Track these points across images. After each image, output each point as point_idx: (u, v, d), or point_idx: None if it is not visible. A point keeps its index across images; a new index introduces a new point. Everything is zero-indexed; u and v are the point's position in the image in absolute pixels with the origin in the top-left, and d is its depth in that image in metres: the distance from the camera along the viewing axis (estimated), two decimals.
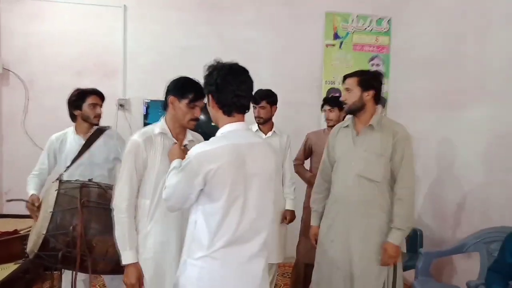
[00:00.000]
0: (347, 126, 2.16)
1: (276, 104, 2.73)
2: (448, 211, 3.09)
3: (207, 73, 1.58)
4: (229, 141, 1.46)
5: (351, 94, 2.05)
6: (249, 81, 1.57)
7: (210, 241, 1.45)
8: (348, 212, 2.05)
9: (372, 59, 4.03)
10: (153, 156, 1.75)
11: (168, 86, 1.81)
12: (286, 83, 3.82)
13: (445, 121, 3.18)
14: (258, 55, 3.89)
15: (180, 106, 1.76)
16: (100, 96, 2.51)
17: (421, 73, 3.52)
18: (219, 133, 1.52)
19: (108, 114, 3.61)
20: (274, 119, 2.79)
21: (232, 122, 1.51)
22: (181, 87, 1.78)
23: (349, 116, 2.21)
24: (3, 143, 3.62)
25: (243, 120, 1.55)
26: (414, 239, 3.10)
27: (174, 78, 1.81)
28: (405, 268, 2.98)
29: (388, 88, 4.06)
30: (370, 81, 2.06)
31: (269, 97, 2.67)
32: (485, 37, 2.80)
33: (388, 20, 4.03)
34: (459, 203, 2.98)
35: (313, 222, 2.27)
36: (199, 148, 1.45)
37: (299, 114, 3.90)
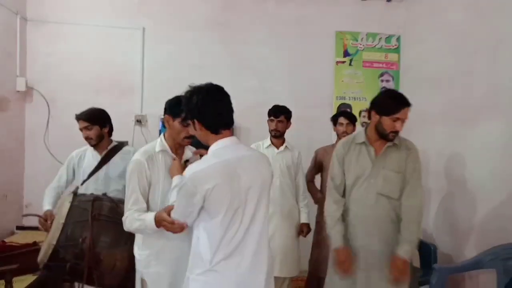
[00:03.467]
0: (362, 142, 2.09)
1: (290, 120, 2.81)
2: (462, 227, 3.05)
3: (186, 98, 1.60)
4: (220, 158, 1.51)
5: (403, 123, 1.99)
6: (226, 98, 1.63)
7: (212, 255, 1.49)
8: (369, 231, 2.03)
9: (382, 75, 4.08)
10: (157, 173, 1.78)
11: (165, 105, 1.86)
12: (298, 100, 3.88)
13: (457, 137, 3.17)
14: (270, 72, 3.99)
15: (174, 124, 1.80)
16: (84, 120, 2.48)
17: (431, 89, 3.53)
18: (210, 151, 1.57)
19: (126, 130, 3.75)
20: (287, 134, 2.85)
21: (221, 138, 1.56)
22: (174, 106, 1.81)
23: (359, 131, 2.19)
24: (26, 158, 3.75)
25: (231, 135, 1.60)
26: (428, 254, 3.06)
27: (170, 98, 1.86)
28: (419, 284, 2.95)
29: None
30: None
31: (287, 112, 2.77)
32: (496, 53, 2.81)
33: (397, 38, 4.09)
34: (473, 219, 2.94)
35: (339, 242, 2.05)
36: (192, 169, 1.49)
37: (311, 130, 3.95)
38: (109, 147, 2.56)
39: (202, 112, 1.55)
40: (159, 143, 1.84)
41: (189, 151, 1.93)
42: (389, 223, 2.03)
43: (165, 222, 1.62)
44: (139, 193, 1.75)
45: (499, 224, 2.71)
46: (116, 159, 2.53)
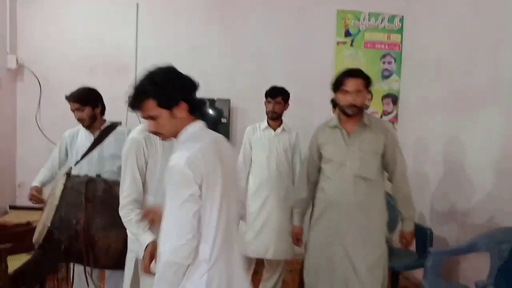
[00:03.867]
0: (334, 126, 2.11)
1: (288, 101, 2.77)
2: (458, 212, 3.07)
3: (161, 86, 1.42)
4: (203, 140, 1.37)
5: (362, 97, 2.00)
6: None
7: (210, 251, 1.32)
8: (345, 215, 2.04)
9: (383, 56, 4.00)
10: (154, 152, 1.76)
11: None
12: (297, 81, 3.81)
13: (456, 124, 3.15)
14: (269, 53, 3.90)
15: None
16: (77, 101, 2.41)
17: (433, 73, 3.48)
18: (187, 134, 1.41)
19: (120, 111, 3.67)
20: (285, 117, 2.81)
21: (193, 120, 1.43)
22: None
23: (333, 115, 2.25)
24: (17, 137, 3.70)
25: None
26: (424, 238, 3.06)
27: None
28: (414, 267, 2.98)
29: (400, 86, 4.03)
30: (370, 83, 2.07)
31: (284, 93, 2.72)
32: (499, 40, 2.76)
33: (401, 18, 3.99)
34: (469, 204, 2.95)
35: (296, 221, 2.27)
36: (183, 156, 1.29)
37: (310, 112, 3.88)
38: (102, 127, 2.51)
39: (188, 91, 1.42)
40: None
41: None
42: (368, 203, 2.06)
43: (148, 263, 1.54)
44: (137, 172, 1.72)
45: (494, 208, 2.72)
46: (110, 139, 2.50)
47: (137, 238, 1.66)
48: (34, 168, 2.61)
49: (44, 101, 3.65)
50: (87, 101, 2.42)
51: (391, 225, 3.26)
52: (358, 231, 2.03)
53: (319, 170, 2.18)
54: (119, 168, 2.51)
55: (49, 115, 3.64)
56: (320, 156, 2.15)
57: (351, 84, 1.97)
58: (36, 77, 3.63)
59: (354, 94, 1.96)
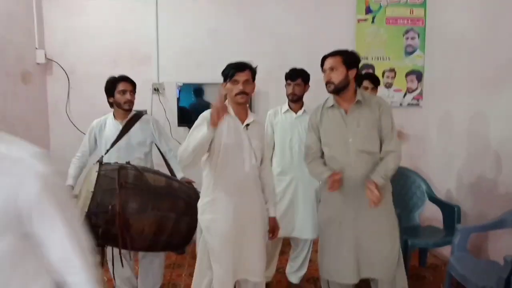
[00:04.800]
0: (332, 106, 2.18)
1: (308, 83, 2.76)
2: (485, 188, 3.01)
3: None
4: None
5: (337, 73, 2.07)
6: None
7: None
8: (353, 189, 2.10)
9: (406, 32, 3.88)
10: (219, 131, 1.96)
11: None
12: (317, 62, 3.73)
13: (481, 98, 3.07)
14: (288, 35, 3.86)
15: (227, 87, 2.02)
16: (130, 82, 2.56)
17: (458, 48, 3.37)
18: None
19: (144, 98, 3.78)
20: (306, 98, 2.80)
21: None
22: (223, 71, 2.04)
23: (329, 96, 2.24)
24: (50, 131, 3.86)
25: None
26: (452, 215, 3.04)
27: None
28: (441, 244, 2.97)
29: (424, 62, 3.92)
30: (353, 59, 2.11)
31: (304, 75, 2.72)
32: None
33: None
34: (497, 179, 2.89)
35: (328, 172, 2.15)
36: None
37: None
38: (129, 116, 2.59)
39: None
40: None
41: (252, 116, 2.08)
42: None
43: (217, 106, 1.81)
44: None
45: None
46: (136, 128, 2.59)
47: (202, 131, 1.87)
48: (67, 158, 2.73)
49: (72, 93, 3.79)
50: (135, 86, 2.60)
51: (412, 204, 3.26)
52: (365, 203, 2.06)
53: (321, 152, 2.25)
54: (146, 155, 2.64)
55: (78, 106, 3.78)
56: (319, 138, 2.23)
57: (326, 63, 2.13)
58: (64, 70, 3.76)
59: (328, 71, 2.10)
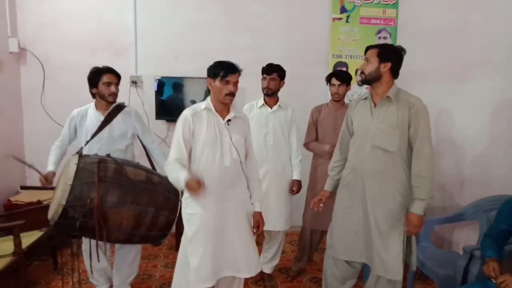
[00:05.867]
0: (365, 98, 2.21)
1: (284, 79, 2.82)
2: (450, 181, 3.16)
3: None
4: None
5: (369, 65, 2.09)
6: None
7: None
8: (364, 180, 2.14)
9: (379, 32, 4.01)
10: (199, 127, 2.02)
11: (207, 71, 2.07)
12: (293, 58, 3.86)
13: (448, 93, 3.21)
14: (265, 29, 3.93)
15: (216, 84, 2.02)
16: (115, 75, 2.55)
17: (427, 45, 3.51)
18: None
19: (121, 91, 3.71)
20: (282, 93, 2.87)
21: None
22: (213, 68, 2.03)
23: (366, 90, 2.30)
24: (24, 119, 3.79)
25: None
26: None
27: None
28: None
29: None
30: (389, 53, 2.08)
31: (280, 70, 2.77)
32: (492, 7, 2.78)
33: None
34: (461, 174, 3.04)
35: (327, 187, 2.39)
36: None
37: (306, 88, 3.95)
38: (111, 107, 2.58)
39: None
40: (205, 102, 2.08)
41: (233, 112, 2.11)
42: (387, 176, 2.09)
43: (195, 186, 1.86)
44: (182, 142, 2.00)
45: (483, 178, 2.81)
46: (118, 119, 2.58)
47: (177, 180, 1.92)
48: (42, 148, 2.71)
49: (47, 83, 3.73)
50: (120, 79, 2.59)
51: None
52: (373, 196, 2.12)
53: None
54: (127, 147, 2.63)
55: (53, 96, 3.73)
56: (352, 127, 2.28)
57: (366, 54, 2.15)
58: (38, 59, 3.70)
59: (364, 62, 2.15)
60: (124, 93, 3.75)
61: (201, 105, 2.08)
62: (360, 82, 2.25)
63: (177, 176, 1.92)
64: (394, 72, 2.10)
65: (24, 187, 3.67)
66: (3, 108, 3.50)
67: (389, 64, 2.06)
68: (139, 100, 3.81)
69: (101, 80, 2.49)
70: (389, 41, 4.02)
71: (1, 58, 3.46)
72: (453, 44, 3.16)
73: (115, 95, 2.55)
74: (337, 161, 2.36)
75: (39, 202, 3.21)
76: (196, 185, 1.83)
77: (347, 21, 3.96)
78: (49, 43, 3.70)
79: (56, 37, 3.70)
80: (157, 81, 3.76)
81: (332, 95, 2.97)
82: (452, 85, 3.15)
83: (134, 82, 3.80)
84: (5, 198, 3.40)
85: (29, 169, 3.76)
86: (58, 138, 2.62)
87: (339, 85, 2.89)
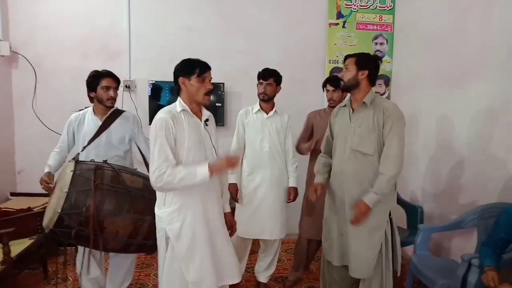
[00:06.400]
0: (345, 105, 2.33)
1: (280, 84, 2.79)
2: (449, 189, 3.13)
3: None
4: None
5: (348, 72, 2.22)
6: None
7: None
8: (344, 183, 2.22)
9: (375, 37, 4.00)
10: (181, 131, 1.86)
11: (175, 71, 1.92)
12: (290, 63, 3.84)
13: (446, 99, 3.18)
14: (261, 34, 3.91)
15: (191, 83, 1.88)
16: (115, 79, 2.50)
17: (424, 50, 3.49)
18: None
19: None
20: (278, 98, 2.84)
21: None
22: (186, 66, 1.91)
23: (347, 98, 2.38)
24: (15, 125, 3.72)
25: None
26: (415, 215, 3.16)
27: (178, 63, 1.93)
28: (405, 244, 3.07)
29: (392, 67, 4.05)
30: (366, 61, 2.21)
31: (276, 76, 2.75)
32: (490, 10, 2.76)
33: None
34: (460, 181, 3.01)
35: (317, 180, 2.36)
36: None
37: (302, 93, 3.93)
38: (109, 112, 2.53)
39: None
40: (179, 104, 1.92)
41: (206, 111, 2.03)
42: (365, 178, 2.17)
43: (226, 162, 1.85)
44: (168, 149, 1.81)
45: (482, 185, 2.78)
46: (116, 124, 2.53)
47: (193, 173, 1.79)
48: (33, 154, 2.66)
49: (39, 87, 3.66)
50: (119, 83, 2.54)
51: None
52: (350, 199, 2.18)
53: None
54: (125, 153, 2.58)
55: (45, 100, 3.66)
56: (332, 134, 2.38)
57: (345, 62, 2.27)
58: (30, 63, 3.63)
59: (344, 69, 2.27)
60: (117, 98, 3.70)
61: (176, 107, 1.91)
62: (341, 89, 2.41)
63: (189, 174, 1.79)
64: (371, 80, 2.22)
65: (14, 194, 3.59)
66: None
67: (366, 72, 2.18)
68: (132, 105, 3.76)
69: (100, 84, 2.44)
70: (385, 47, 4.01)
71: None
72: (451, 48, 3.14)
73: (113, 99, 2.50)
74: (321, 162, 2.42)
75: (29, 209, 3.13)
76: (226, 162, 1.82)
77: (343, 27, 3.95)
78: (41, 47, 3.65)
79: (48, 41, 3.65)
80: (151, 86, 3.72)
81: (328, 100, 2.96)
82: (451, 90, 3.13)
83: (127, 87, 3.75)
84: None
85: (19, 175, 3.75)
86: (57, 144, 2.55)
87: (333, 90, 2.88)
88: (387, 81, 4.07)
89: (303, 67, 3.95)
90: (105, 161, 2.27)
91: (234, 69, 3.83)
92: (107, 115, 2.51)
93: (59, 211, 1.98)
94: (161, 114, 1.88)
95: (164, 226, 1.90)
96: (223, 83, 3.78)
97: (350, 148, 2.20)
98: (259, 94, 2.76)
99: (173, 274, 1.92)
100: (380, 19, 3.99)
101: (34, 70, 3.64)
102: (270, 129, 2.75)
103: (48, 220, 2.05)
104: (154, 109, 3.71)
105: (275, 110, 2.79)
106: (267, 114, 2.77)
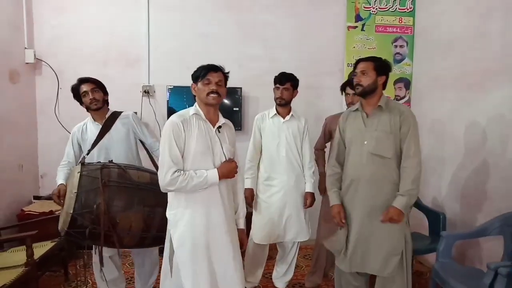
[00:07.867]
0: (356, 109, 2.30)
1: (297, 88, 2.77)
2: (472, 195, 3.04)
3: None
4: None
5: (367, 77, 2.18)
6: None
7: None
8: (362, 188, 2.19)
9: (395, 40, 3.94)
10: (190, 135, 1.90)
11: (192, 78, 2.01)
12: (308, 67, 3.82)
13: (468, 102, 3.10)
14: (278, 39, 3.90)
15: (198, 87, 1.96)
16: (90, 82, 2.53)
17: (445, 53, 3.41)
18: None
19: (134, 101, 3.77)
20: (296, 103, 2.82)
21: None
22: (194, 73, 1.99)
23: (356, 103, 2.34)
24: (38, 129, 3.82)
25: None
26: (437, 222, 3.07)
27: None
28: (426, 251, 2.99)
29: (412, 70, 3.97)
30: (384, 67, 2.21)
31: (293, 80, 2.73)
32: (510, 16, 2.69)
33: (412, 0, 3.91)
34: (484, 187, 2.92)
35: (334, 201, 2.31)
36: None
37: (321, 98, 3.90)
38: (107, 115, 2.59)
39: None
40: (193, 108, 1.99)
41: (222, 118, 2.04)
42: (384, 181, 2.17)
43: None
44: (177, 152, 1.87)
45: (508, 192, 2.69)
46: (117, 124, 2.59)
47: (205, 180, 1.88)
48: (55, 159, 2.71)
49: (61, 94, 3.75)
50: (100, 85, 2.58)
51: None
52: (368, 204, 2.17)
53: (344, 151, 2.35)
54: (132, 151, 2.63)
55: (67, 107, 3.74)
56: (343, 141, 2.34)
57: (359, 66, 2.22)
58: (53, 70, 3.74)
59: (359, 74, 2.20)
60: (137, 103, 3.77)
61: (189, 111, 1.97)
62: (358, 94, 2.27)
63: (201, 182, 1.86)
64: (385, 84, 2.24)
65: (37, 197, 3.68)
66: (18, 119, 3.53)
67: (384, 77, 2.20)
68: (151, 110, 3.81)
69: (80, 92, 2.52)
70: (405, 50, 3.94)
71: (18, 69, 3.51)
72: (471, 52, 3.06)
73: (96, 100, 2.52)
74: (333, 174, 2.36)
75: (51, 212, 3.22)
76: (228, 165, 1.93)
77: (362, 30, 3.90)
78: (64, 54, 3.74)
79: (70, 49, 3.75)
80: (169, 91, 3.76)
81: (347, 104, 2.91)
82: (472, 94, 3.04)
83: (146, 92, 3.80)
84: (18, 208, 3.41)
85: (42, 179, 3.84)
86: (63, 158, 2.58)
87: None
88: (407, 84, 3.99)
89: (321, 71, 3.92)
90: (110, 161, 2.32)
91: (250, 74, 3.84)
92: (106, 118, 2.57)
93: (71, 212, 2.03)
94: (172, 117, 1.95)
95: (170, 228, 1.96)
96: (240, 88, 3.79)
97: (368, 152, 2.17)
98: (275, 99, 2.74)
99: (174, 275, 1.95)
100: (400, 21, 3.92)
101: (57, 77, 3.74)
102: (287, 134, 2.72)
103: (62, 222, 2.10)
104: (172, 113, 3.75)
105: (292, 114, 2.77)
106: (284, 118, 2.75)
